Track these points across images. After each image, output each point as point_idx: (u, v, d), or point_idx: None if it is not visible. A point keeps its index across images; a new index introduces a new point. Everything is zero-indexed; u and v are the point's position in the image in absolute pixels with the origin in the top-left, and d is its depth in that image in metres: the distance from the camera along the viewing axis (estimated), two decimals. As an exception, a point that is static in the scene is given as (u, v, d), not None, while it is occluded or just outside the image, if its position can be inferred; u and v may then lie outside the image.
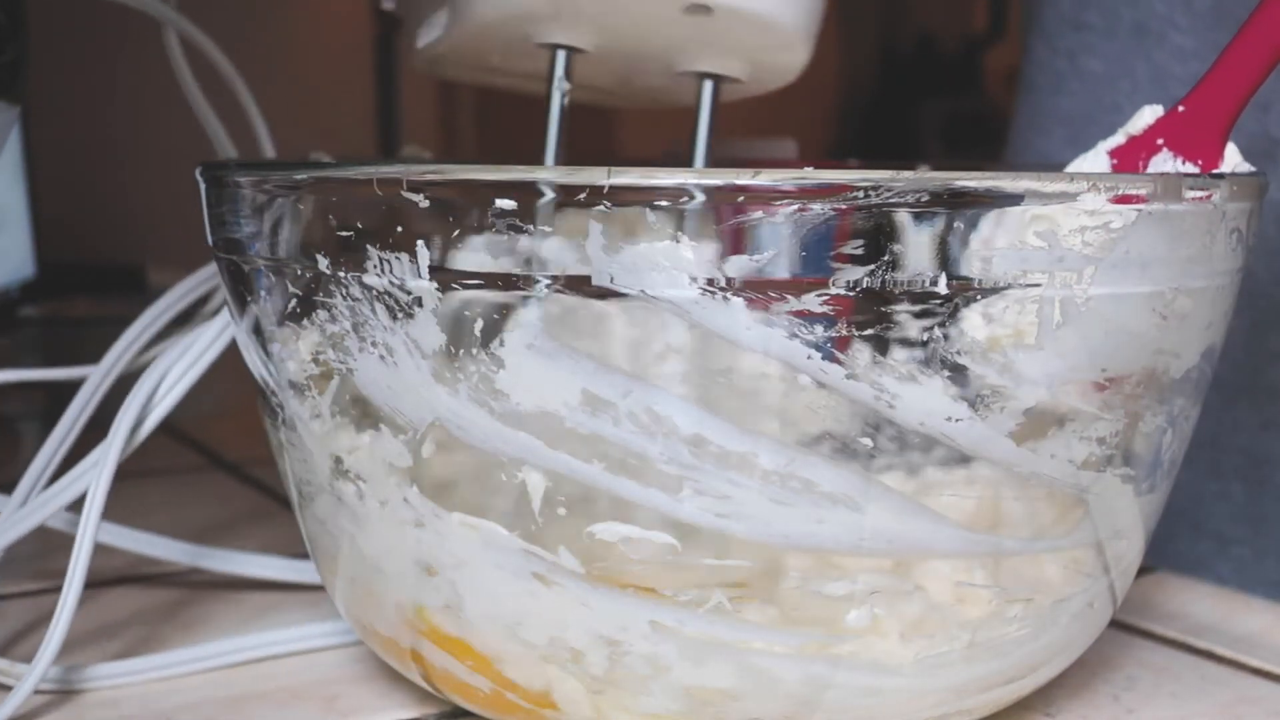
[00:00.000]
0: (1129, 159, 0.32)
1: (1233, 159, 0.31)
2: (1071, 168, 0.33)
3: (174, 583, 0.44)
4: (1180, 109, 0.32)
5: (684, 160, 0.40)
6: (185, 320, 0.40)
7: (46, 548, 0.39)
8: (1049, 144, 0.54)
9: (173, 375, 0.37)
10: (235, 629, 0.39)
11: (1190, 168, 0.31)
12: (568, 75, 0.37)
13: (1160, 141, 0.32)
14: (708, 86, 0.38)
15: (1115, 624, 0.40)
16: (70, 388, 0.47)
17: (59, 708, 0.34)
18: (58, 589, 0.34)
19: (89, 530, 0.35)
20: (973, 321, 0.26)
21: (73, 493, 0.36)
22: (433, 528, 0.29)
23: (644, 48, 0.37)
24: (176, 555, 0.42)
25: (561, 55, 0.36)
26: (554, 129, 0.37)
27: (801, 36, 0.35)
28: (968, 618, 0.29)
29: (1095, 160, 0.33)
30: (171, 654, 0.37)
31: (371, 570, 0.31)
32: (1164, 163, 0.32)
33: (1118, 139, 0.33)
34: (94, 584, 0.37)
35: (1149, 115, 0.32)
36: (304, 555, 0.36)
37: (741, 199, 0.25)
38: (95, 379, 0.39)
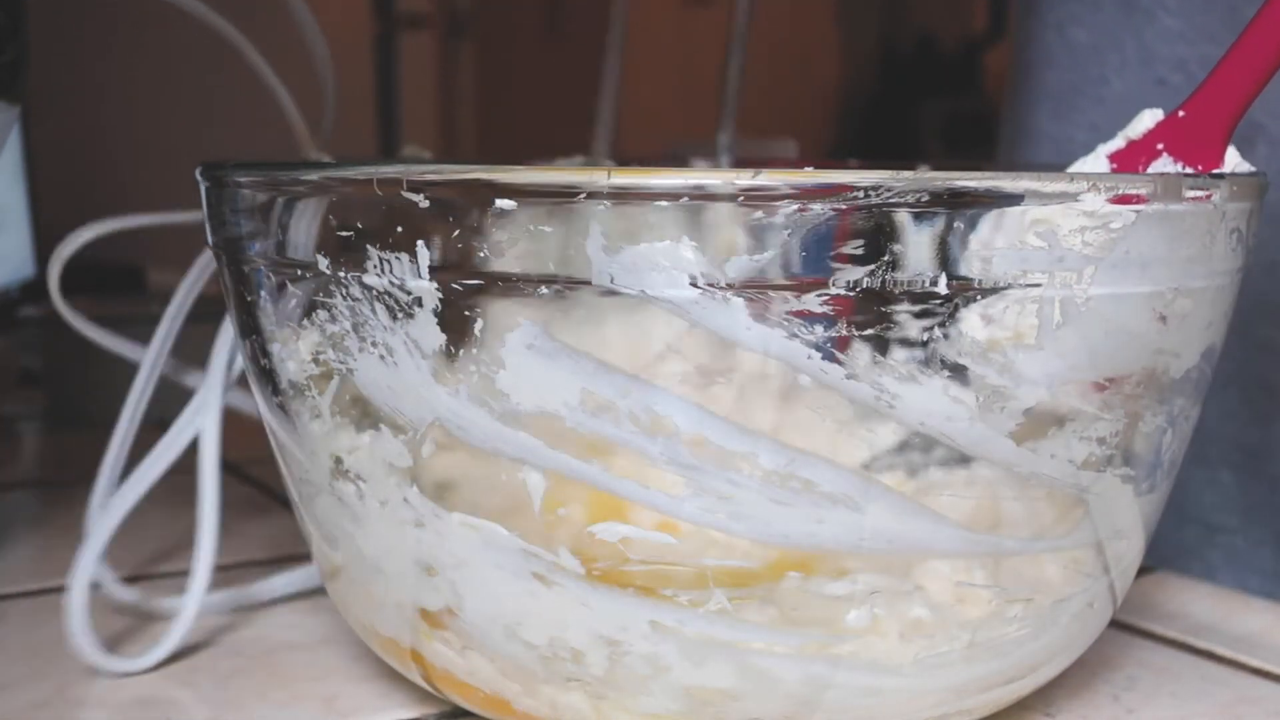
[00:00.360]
0: (1129, 163, 0.32)
1: (1233, 164, 0.31)
2: (1070, 170, 0.33)
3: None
4: (1180, 114, 0.32)
5: (684, 161, 0.40)
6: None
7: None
8: (1036, 118, 0.54)
9: None
10: None
11: (1190, 172, 0.31)
12: None
13: (1160, 146, 0.32)
14: None
15: (1115, 624, 0.40)
16: (70, 389, 0.47)
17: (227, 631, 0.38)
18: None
19: (210, 468, 0.38)
20: (973, 322, 0.26)
21: (188, 434, 0.39)
22: (433, 528, 0.29)
23: None
24: None
25: None
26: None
27: None
28: (968, 618, 0.29)
29: (1095, 164, 0.33)
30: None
31: (371, 570, 0.31)
32: (1164, 167, 0.32)
33: (1117, 143, 0.33)
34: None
35: (1149, 119, 0.32)
36: (306, 559, 0.36)
37: (741, 199, 0.25)
38: (151, 354, 0.41)
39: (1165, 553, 0.48)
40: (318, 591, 0.41)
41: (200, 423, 0.39)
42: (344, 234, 0.28)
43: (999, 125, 0.59)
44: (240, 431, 0.42)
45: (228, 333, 0.39)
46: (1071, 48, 0.52)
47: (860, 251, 0.25)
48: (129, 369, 0.42)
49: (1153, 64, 0.49)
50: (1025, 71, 0.55)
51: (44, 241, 0.80)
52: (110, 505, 0.38)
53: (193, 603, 0.37)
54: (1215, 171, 0.31)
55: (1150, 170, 0.32)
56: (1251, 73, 0.30)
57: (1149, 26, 0.49)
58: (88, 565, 0.37)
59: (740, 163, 0.41)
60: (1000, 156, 0.58)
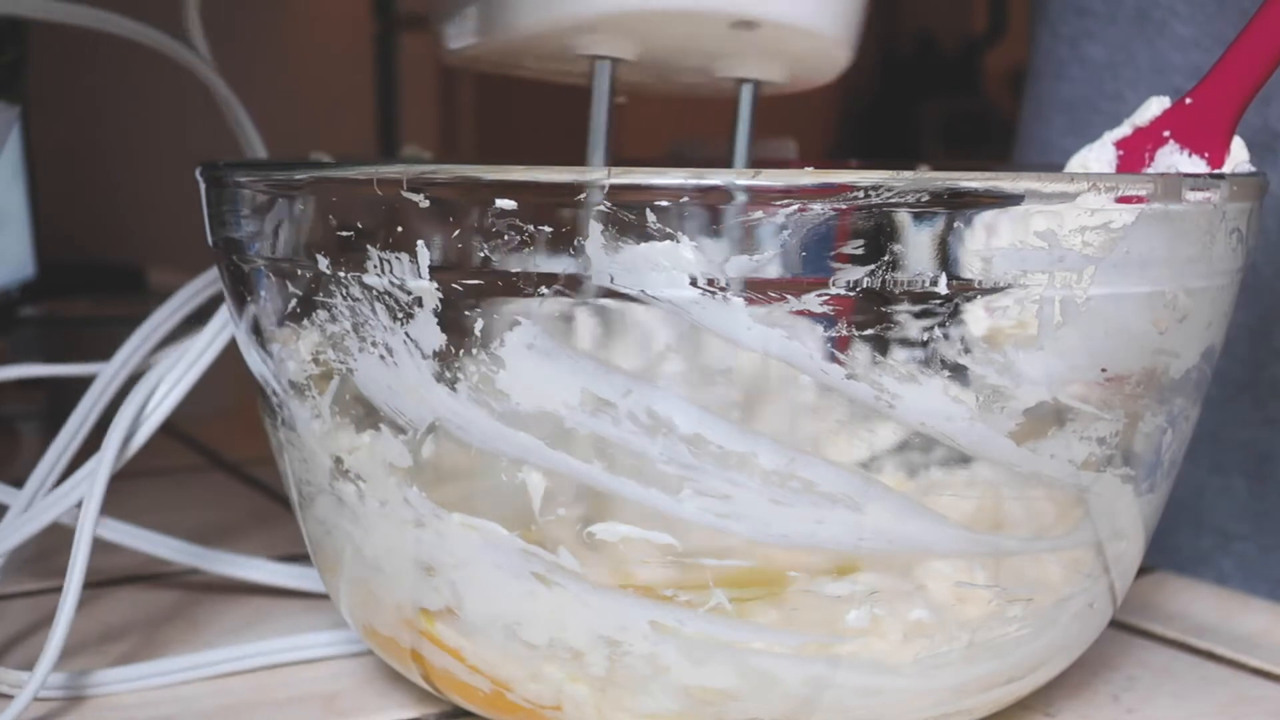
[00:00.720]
0: (1135, 151, 0.32)
1: (1239, 153, 0.31)
2: (1076, 158, 0.33)
3: (176, 584, 0.44)
4: (1187, 101, 0.31)
5: (691, 160, 0.40)
6: (197, 320, 0.40)
7: (54, 545, 0.39)
8: (1049, 132, 0.54)
9: (167, 382, 0.37)
10: (239, 632, 0.39)
11: (1197, 160, 0.31)
12: (612, 84, 0.35)
13: (1167, 134, 0.32)
14: (747, 90, 0.37)
15: (1115, 624, 0.40)
16: (71, 389, 0.47)
17: (62, 715, 0.34)
18: (59, 589, 0.34)
19: (84, 539, 0.34)
20: (973, 322, 0.26)
21: (71, 499, 0.36)
22: (433, 528, 0.29)
23: (687, 58, 0.36)
24: (179, 556, 0.41)
25: (606, 66, 0.35)
26: (601, 138, 0.36)
27: (843, 41, 0.35)
28: (967, 618, 0.29)
29: (1101, 152, 0.32)
30: (174, 659, 0.37)
31: (371, 570, 0.31)
32: (1170, 155, 0.31)
33: (1124, 130, 0.32)
34: (96, 584, 0.37)
35: (1155, 107, 0.32)
36: (306, 559, 0.36)
37: (742, 199, 0.25)
38: (103, 380, 0.38)
39: (1179, 559, 0.48)
40: (317, 591, 0.41)
41: (85, 489, 0.35)
42: (344, 234, 0.28)
43: (1000, 128, 0.59)
44: (240, 431, 0.42)
45: (138, 395, 0.36)
46: (1085, 62, 0.52)
47: (860, 251, 0.25)
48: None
49: (1166, 73, 0.49)
50: (1038, 84, 0.55)
51: (44, 241, 0.80)
52: None
53: (31, 685, 0.33)
54: (1216, 171, 0.31)
55: (1156, 158, 0.31)
56: (1258, 59, 0.30)
57: (1161, 35, 0.49)
58: None
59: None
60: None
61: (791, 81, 0.37)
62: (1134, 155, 0.32)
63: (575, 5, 0.33)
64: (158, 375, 0.37)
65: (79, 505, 0.35)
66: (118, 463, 0.36)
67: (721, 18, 0.32)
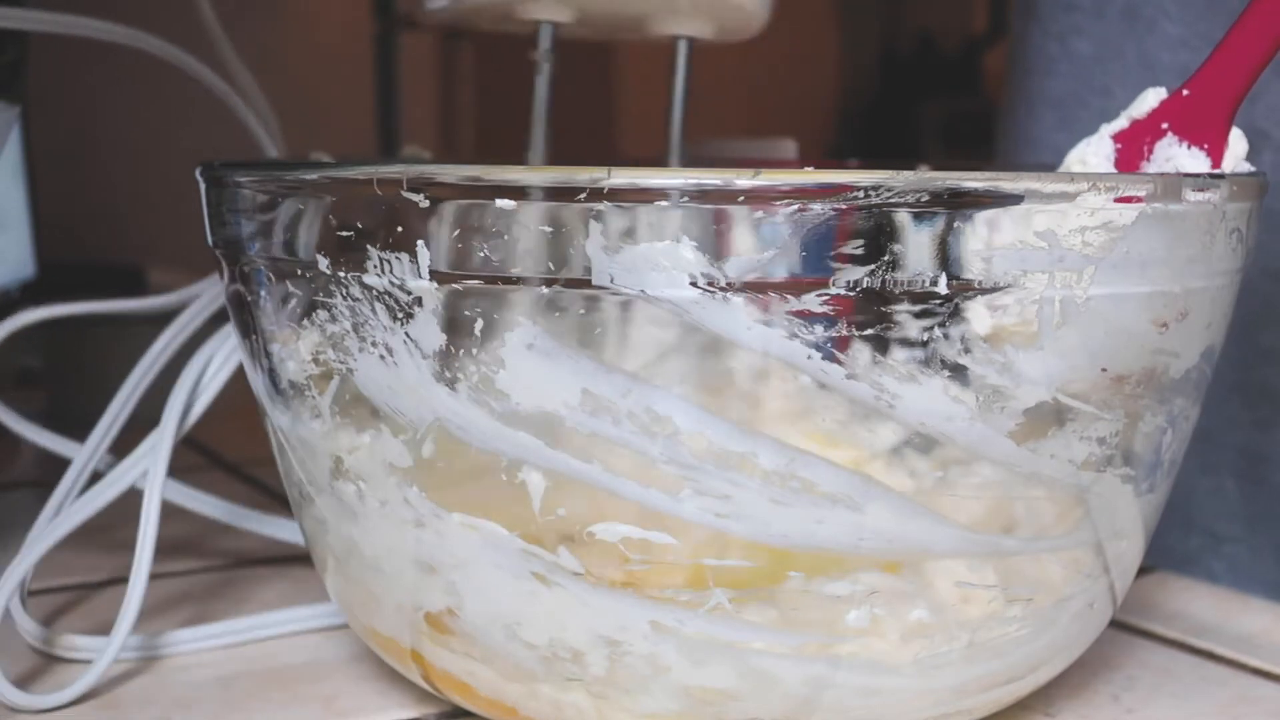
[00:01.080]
0: (1132, 143, 0.32)
1: (1238, 144, 0.31)
2: (1074, 154, 0.33)
3: (214, 554, 0.46)
4: (1185, 92, 0.31)
5: (691, 160, 0.41)
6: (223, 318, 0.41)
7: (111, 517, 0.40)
8: (1039, 128, 0.54)
9: (216, 361, 0.39)
10: (278, 601, 0.41)
11: (1196, 152, 0.31)
12: (551, 46, 0.40)
13: (1165, 126, 0.31)
14: (682, 46, 0.41)
15: (1115, 624, 0.40)
16: (70, 388, 0.47)
17: (138, 675, 0.36)
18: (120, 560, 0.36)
19: (153, 508, 0.36)
20: (973, 322, 0.26)
21: (138, 470, 0.38)
22: (433, 528, 0.29)
23: (620, 19, 0.41)
24: (233, 519, 0.44)
25: (547, 29, 0.40)
26: (541, 100, 0.41)
27: (758, 2, 0.39)
28: (967, 618, 0.29)
29: (1099, 144, 0.32)
30: (237, 621, 0.39)
31: (371, 570, 0.31)
32: (1169, 147, 0.31)
33: (1120, 123, 0.32)
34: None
35: (1152, 98, 0.32)
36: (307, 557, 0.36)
37: (741, 199, 0.25)
38: (138, 374, 0.41)
39: (1170, 561, 0.48)
40: (316, 590, 0.41)
41: (147, 464, 0.37)
42: (344, 234, 0.28)
43: (997, 129, 0.59)
44: (240, 431, 0.42)
45: (189, 375, 0.38)
46: (1073, 58, 0.52)
47: (860, 251, 0.25)
48: (129, 368, 0.42)
49: (1155, 71, 0.49)
50: (1025, 79, 0.55)
51: (44, 241, 0.80)
52: (38, 537, 0.38)
53: (111, 649, 0.35)
54: (1215, 171, 0.31)
55: (1154, 150, 0.31)
56: (1256, 48, 0.30)
57: (1150, 34, 0.49)
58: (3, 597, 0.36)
59: (741, 163, 0.42)
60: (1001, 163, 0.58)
61: (720, 36, 0.42)
62: (1132, 148, 0.32)
63: None
64: (206, 355, 0.39)
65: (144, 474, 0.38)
66: (178, 434, 0.38)
67: None
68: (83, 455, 0.40)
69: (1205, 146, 0.31)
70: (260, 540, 0.45)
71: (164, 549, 0.44)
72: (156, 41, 0.42)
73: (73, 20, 0.41)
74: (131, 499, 0.38)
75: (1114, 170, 0.32)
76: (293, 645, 0.39)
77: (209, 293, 0.42)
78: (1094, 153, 0.32)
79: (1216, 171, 0.31)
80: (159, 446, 0.37)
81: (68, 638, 0.37)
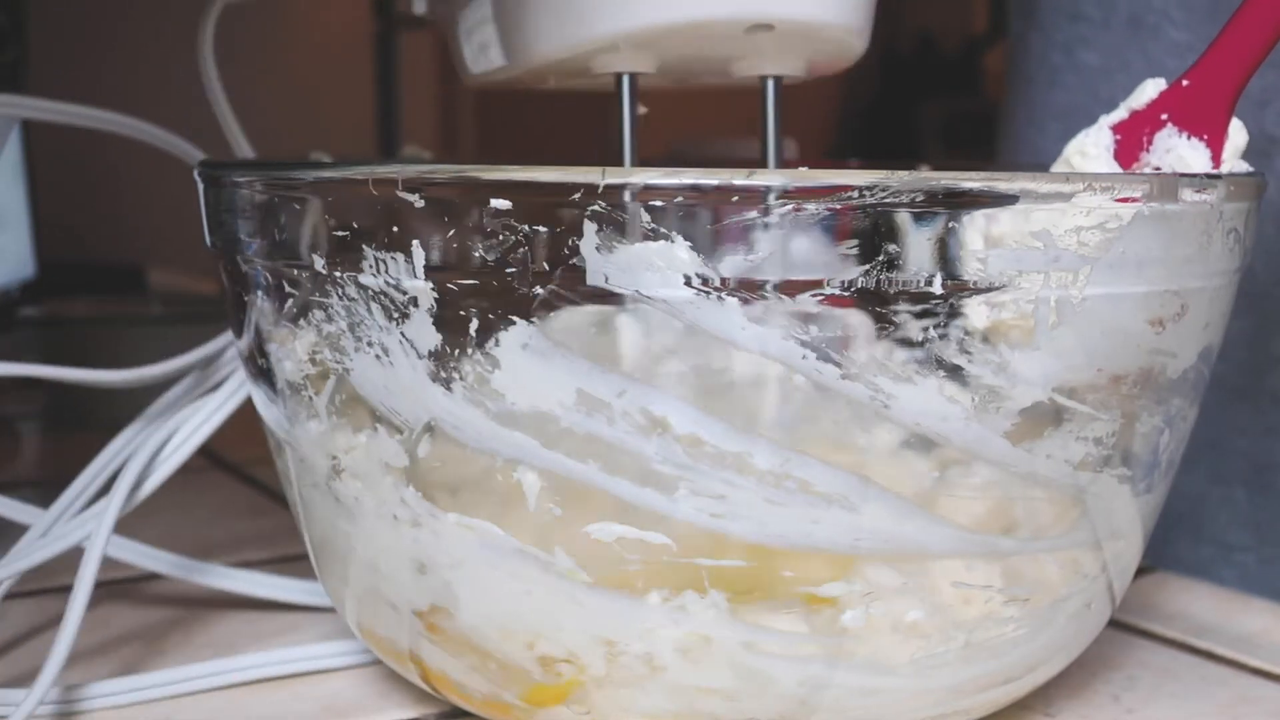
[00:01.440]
0: (1132, 134, 0.32)
1: (1238, 135, 0.31)
2: (1073, 144, 0.33)
3: (172, 597, 0.43)
4: (1184, 83, 0.31)
5: (694, 160, 0.40)
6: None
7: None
8: (1044, 139, 0.54)
9: (178, 438, 0.38)
10: (236, 644, 0.39)
11: (1196, 142, 0.31)
12: (635, 99, 0.36)
13: (1164, 116, 0.31)
14: (770, 85, 0.38)
15: (1115, 624, 0.40)
16: (70, 388, 0.47)
17: None
18: (51, 593, 0.34)
19: (87, 579, 0.35)
20: (969, 322, 0.26)
21: (79, 534, 0.37)
22: (429, 528, 0.29)
23: (705, 63, 0.37)
24: (178, 571, 0.41)
25: (627, 80, 0.36)
26: (629, 150, 0.37)
27: (857, 30, 0.35)
28: (964, 618, 0.29)
29: (1098, 136, 0.32)
30: (171, 671, 0.36)
31: (368, 570, 0.31)
32: (1169, 138, 0.31)
33: (1120, 114, 0.32)
34: (94, 593, 0.37)
35: (1152, 89, 0.32)
36: (305, 561, 0.36)
37: (737, 199, 0.25)
38: (116, 445, 0.39)
39: (1180, 570, 0.48)
40: (297, 610, 0.41)
41: (93, 526, 0.36)
42: (340, 234, 0.28)
43: (999, 137, 0.59)
44: (240, 432, 0.42)
45: (147, 446, 0.37)
46: (1079, 69, 0.51)
47: (856, 251, 0.25)
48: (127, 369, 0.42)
49: (1161, 78, 0.49)
50: (1027, 89, 0.54)
51: (44, 241, 0.80)
52: None
53: (28, 703, 0.33)
54: (1212, 171, 0.31)
55: (1154, 141, 0.31)
56: (1256, 38, 0.30)
57: (1155, 41, 0.49)
58: None
59: (740, 163, 0.41)
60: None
61: (810, 72, 0.38)
62: (1131, 139, 0.32)
63: (592, 29, 0.33)
64: (169, 429, 0.38)
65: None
66: (123, 512, 0.36)
67: (737, 24, 0.33)
68: (43, 522, 0.39)
69: (1205, 137, 0.31)
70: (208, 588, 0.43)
71: (106, 579, 0.42)
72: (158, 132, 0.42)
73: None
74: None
75: (1114, 161, 0.32)
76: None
77: (199, 372, 0.40)
78: (1093, 143, 0.32)
79: (1214, 171, 0.31)
80: (104, 515, 0.36)
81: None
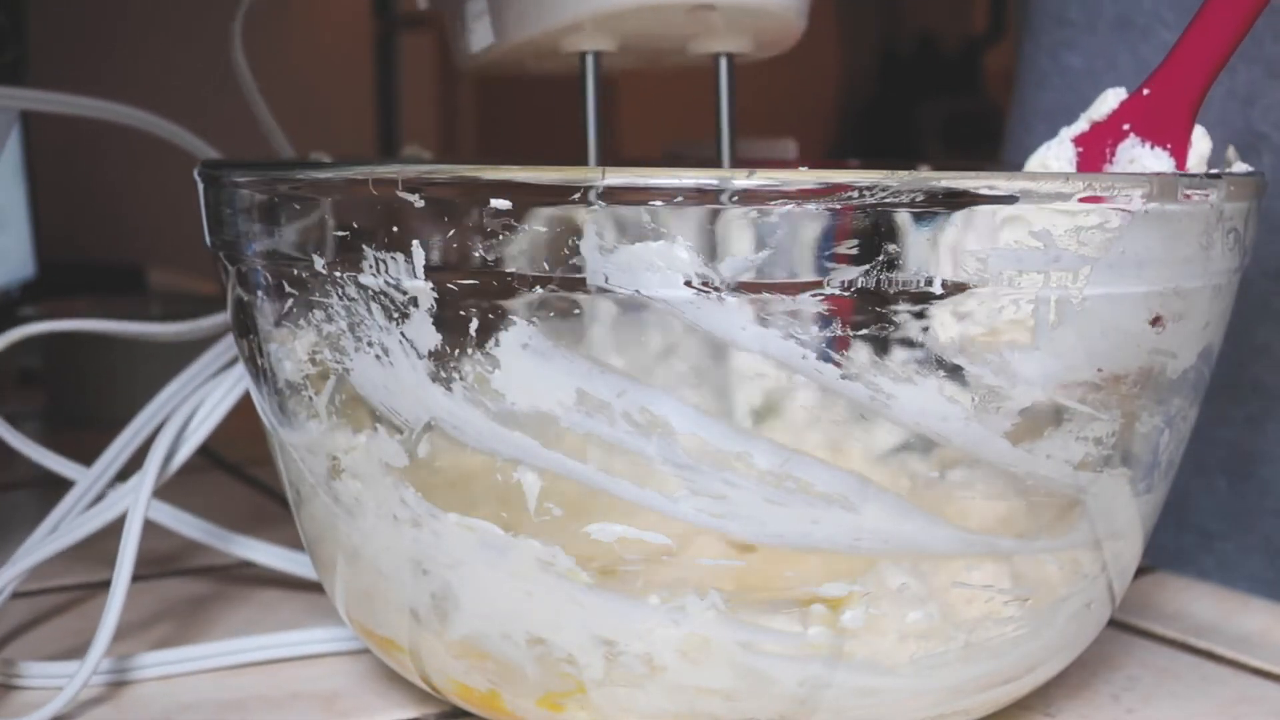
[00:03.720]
0: (1094, 146, 0.31)
1: (1201, 143, 0.31)
2: (1035, 158, 0.33)
3: (190, 576, 0.45)
4: (1145, 91, 0.31)
5: (688, 161, 0.41)
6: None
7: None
8: (1033, 140, 0.54)
9: (205, 408, 0.38)
10: (248, 628, 0.40)
11: (1159, 152, 0.31)
12: (598, 74, 0.41)
13: (1126, 127, 0.31)
14: (722, 62, 0.41)
15: (1115, 624, 0.40)
16: (70, 388, 0.47)
17: (105, 701, 0.35)
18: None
19: (129, 553, 0.35)
20: (969, 322, 0.26)
21: (113, 514, 0.37)
22: (429, 528, 0.29)
23: (661, 42, 0.41)
24: (216, 541, 0.43)
25: (591, 59, 0.40)
26: (593, 123, 0.41)
27: (796, 10, 0.39)
28: (964, 618, 0.29)
29: (1059, 149, 0.32)
30: (220, 644, 0.38)
31: (368, 570, 0.31)
32: (1131, 148, 0.31)
33: (1081, 126, 0.32)
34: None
35: (1112, 99, 0.31)
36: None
37: (736, 199, 0.25)
38: (151, 410, 0.40)
39: (1162, 559, 0.48)
40: (316, 589, 0.41)
41: (129, 501, 0.37)
42: (340, 234, 0.28)
43: (999, 128, 0.59)
44: (240, 432, 0.42)
45: (176, 419, 0.38)
46: (1065, 71, 0.52)
47: (855, 251, 0.25)
48: (128, 368, 0.42)
49: (1122, 88, 0.49)
50: (1022, 92, 0.55)
51: (44, 241, 0.80)
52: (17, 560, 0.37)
53: (80, 677, 0.34)
54: (1212, 171, 0.31)
55: (1117, 152, 0.31)
56: (1215, 44, 0.30)
57: (1145, 42, 0.49)
58: None
59: (740, 163, 0.42)
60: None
61: (759, 50, 0.42)
62: (1094, 151, 0.31)
63: (562, 12, 0.39)
64: (196, 401, 0.39)
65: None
66: (158, 484, 0.37)
67: (680, 5, 0.38)
68: (86, 480, 0.40)
69: (1169, 146, 0.30)
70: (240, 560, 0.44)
71: (151, 561, 0.43)
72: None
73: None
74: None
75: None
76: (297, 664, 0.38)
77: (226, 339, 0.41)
78: (1055, 157, 0.32)
79: (1214, 171, 0.31)
80: (139, 488, 0.37)
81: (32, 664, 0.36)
